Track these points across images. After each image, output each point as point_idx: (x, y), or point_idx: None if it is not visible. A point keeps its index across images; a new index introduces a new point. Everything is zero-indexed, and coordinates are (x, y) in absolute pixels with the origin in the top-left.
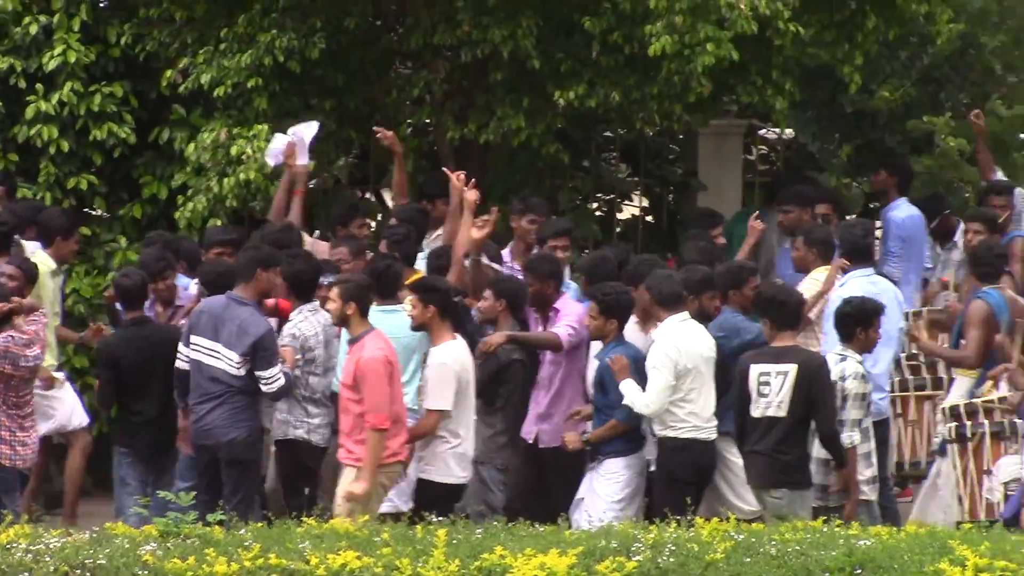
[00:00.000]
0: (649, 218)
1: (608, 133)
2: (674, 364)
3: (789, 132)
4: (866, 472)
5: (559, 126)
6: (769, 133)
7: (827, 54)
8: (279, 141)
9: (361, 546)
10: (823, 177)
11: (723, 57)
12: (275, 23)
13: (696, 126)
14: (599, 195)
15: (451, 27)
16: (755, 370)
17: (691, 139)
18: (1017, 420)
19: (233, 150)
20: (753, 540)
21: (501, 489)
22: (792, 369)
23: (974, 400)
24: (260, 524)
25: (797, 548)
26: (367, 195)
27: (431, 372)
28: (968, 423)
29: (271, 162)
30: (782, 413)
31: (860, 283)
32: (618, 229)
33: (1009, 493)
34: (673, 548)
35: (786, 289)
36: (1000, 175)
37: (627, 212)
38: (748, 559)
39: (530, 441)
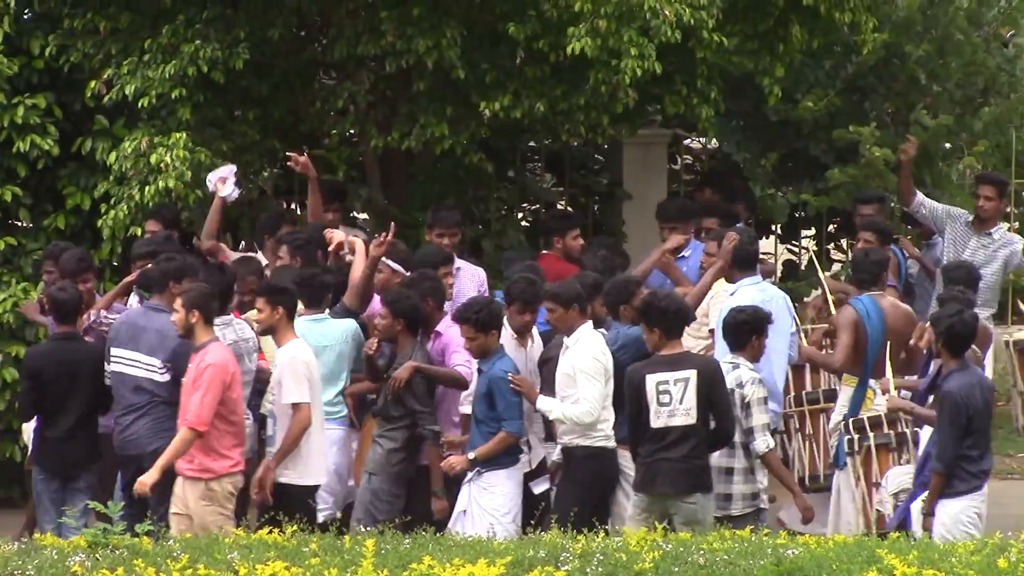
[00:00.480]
0: None
1: (532, 143)
2: (604, 370)
3: (714, 142)
4: (763, 480)
5: (484, 135)
6: (694, 143)
7: (751, 64)
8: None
9: (290, 556)
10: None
11: (648, 69)
12: (199, 34)
13: (623, 137)
14: (524, 205)
15: (375, 37)
16: (652, 380)
17: (616, 149)
18: (907, 430)
19: (152, 158)
20: (681, 549)
21: (391, 502)
22: (692, 375)
23: (878, 413)
24: (188, 534)
25: (725, 557)
26: (292, 206)
27: (284, 369)
28: (856, 436)
29: (222, 189)
30: (692, 420)
31: (750, 291)
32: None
33: (899, 504)
34: (602, 558)
35: (673, 298)
36: (920, 199)
37: None
38: (676, 568)
39: None
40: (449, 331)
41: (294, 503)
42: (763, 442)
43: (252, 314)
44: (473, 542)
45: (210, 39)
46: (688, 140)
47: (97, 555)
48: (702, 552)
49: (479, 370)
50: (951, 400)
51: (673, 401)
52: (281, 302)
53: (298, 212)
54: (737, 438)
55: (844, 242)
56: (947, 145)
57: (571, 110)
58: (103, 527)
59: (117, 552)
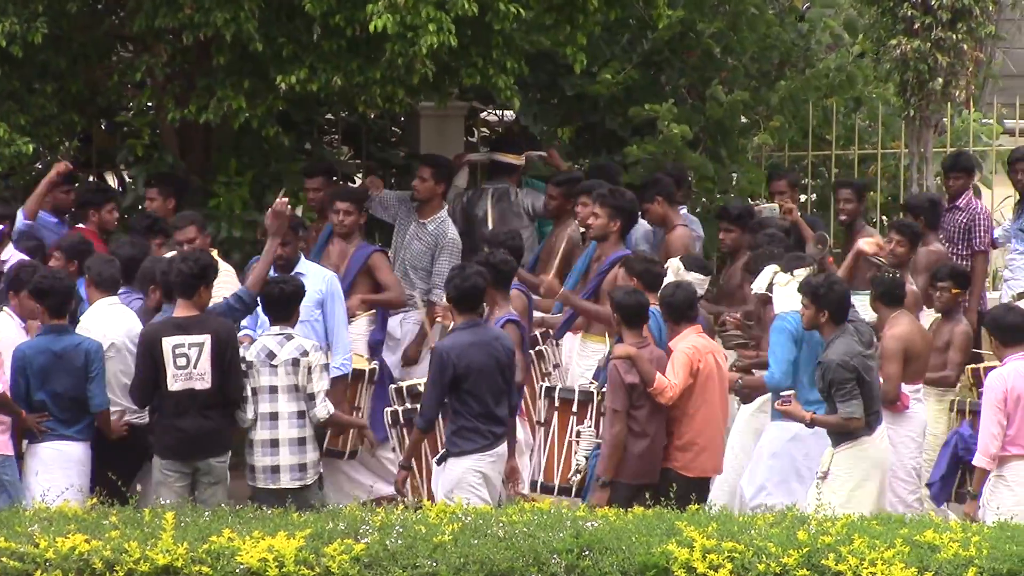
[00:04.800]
0: None
1: (330, 116)
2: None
3: (510, 114)
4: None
5: (281, 108)
6: (491, 115)
7: (548, 38)
8: None
9: (90, 529)
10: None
11: (444, 42)
12: None
13: (438, 107)
14: None
15: (173, 10)
16: (168, 343)
17: (413, 121)
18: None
19: None
20: (481, 522)
21: None
22: (207, 339)
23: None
24: None
25: (525, 530)
26: (91, 178)
27: None
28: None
29: None
30: (207, 384)
31: None
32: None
33: None
34: (401, 530)
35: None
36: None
37: None
38: (476, 541)
39: None
40: None
41: None
42: (323, 408)
43: None
44: (273, 515)
45: (8, 13)
46: (485, 113)
47: None
48: (502, 524)
49: None
50: (437, 355)
51: (189, 365)
52: None
53: (95, 182)
54: (303, 406)
55: None
56: (743, 119)
57: (367, 83)
58: None
59: None
